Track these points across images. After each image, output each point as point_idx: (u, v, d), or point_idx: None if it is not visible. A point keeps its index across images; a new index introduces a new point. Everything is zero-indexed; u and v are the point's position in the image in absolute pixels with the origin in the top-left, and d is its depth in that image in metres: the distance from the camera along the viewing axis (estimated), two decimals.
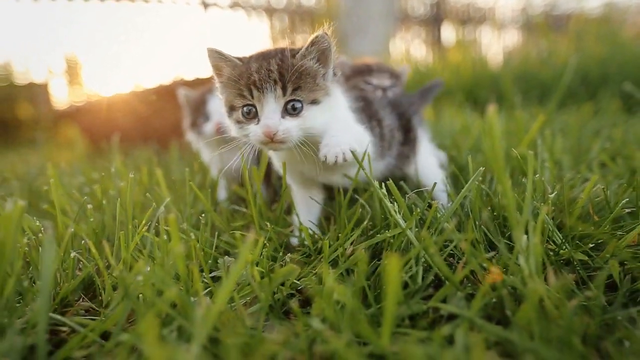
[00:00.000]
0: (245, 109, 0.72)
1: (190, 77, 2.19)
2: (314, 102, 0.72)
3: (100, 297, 0.64)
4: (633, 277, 0.59)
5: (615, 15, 4.88)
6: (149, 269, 0.53)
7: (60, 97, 5.15)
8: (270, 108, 0.70)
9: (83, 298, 0.64)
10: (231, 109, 0.75)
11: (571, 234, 0.67)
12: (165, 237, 0.59)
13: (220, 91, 0.78)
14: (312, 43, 0.71)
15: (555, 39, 3.59)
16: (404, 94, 1.19)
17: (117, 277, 0.58)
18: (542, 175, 0.89)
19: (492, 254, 0.62)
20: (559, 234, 0.65)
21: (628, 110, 1.82)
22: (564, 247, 0.64)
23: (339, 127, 0.74)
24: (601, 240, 0.66)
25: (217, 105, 1.20)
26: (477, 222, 0.67)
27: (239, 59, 0.75)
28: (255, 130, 0.70)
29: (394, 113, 0.95)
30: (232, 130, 0.76)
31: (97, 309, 0.62)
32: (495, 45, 7.21)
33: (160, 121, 2.14)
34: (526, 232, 0.55)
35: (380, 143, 0.84)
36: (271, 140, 0.69)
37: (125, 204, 0.66)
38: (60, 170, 1.24)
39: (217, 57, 0.76)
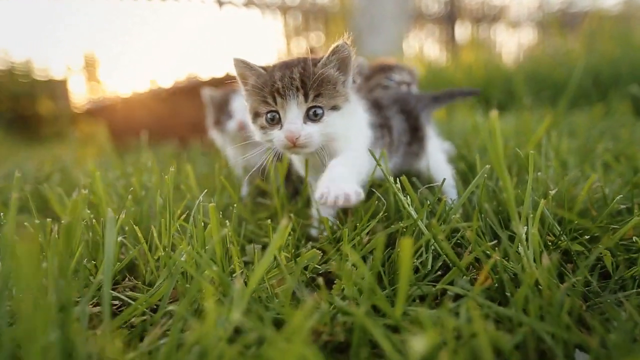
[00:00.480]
0: (269, 115, 0.76)
1: (205, 75, 2.28)
2: (334, 108, 0.76)
3: (142, 278, 0.73)
4: (626, 266, 0.65)
5: (633, 13, 4.86)
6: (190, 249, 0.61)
7: (79, 93, 5.30)
8: (293, 114, 0.74)
9: (128, 278, 0.73)
10: (256, 115, 0.79)
11: (570, 227, 0.74)
12: (202, 224, 0.67)
13: (246, 98, 0.83)
14: (333, 52, 0.76)
15: (570, 38, 3.61)
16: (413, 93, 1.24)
17: (162, 258, 0.66)
18: (547, 173, 0.96)
19: (494, 242, 0.69)
20: (557, 226, 0.71)
21: (637, 112, 1.86)
22: (562, 238, 0.70)
23: (354, 133, 0.80)
24: (597, 234, 0.73)
25: (239, 104, 1.28)
26: (482, 215, 0.74)
27: (263, 67, 0.79)
28: (278, 136, 0.75)
29: (403, 113, 1.00)
30: (256, 135, 0.81)
31: (140, 287, 0.70)
32: (510, 44, 7.18)
33: (179, 119, 2.23)
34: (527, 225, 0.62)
35: (388, 148, 0.90)
36: (294, 144, 0.73)
37: (164, 194, 0.75)
38: (95, 164, 1.33)
39: (243, 67, 0.80)
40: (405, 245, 0.44)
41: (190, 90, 2.18)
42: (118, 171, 1.15)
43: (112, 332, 0.52)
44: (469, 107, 2.34)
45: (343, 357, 0.52)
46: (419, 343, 0.35)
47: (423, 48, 6.66)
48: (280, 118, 0.76)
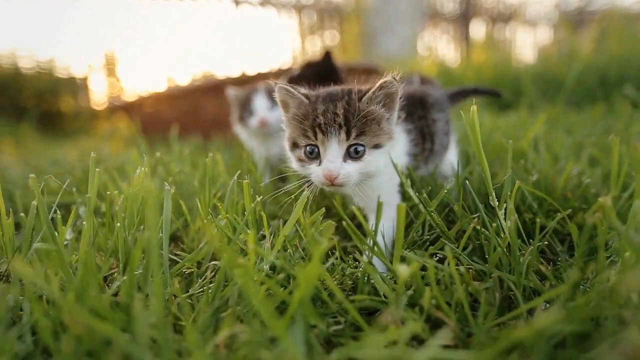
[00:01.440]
0: (308, 148, 0.75)
1: (221, 73, 2.44)
2: (377, 146, 0.75)
3: (184, 245, 0.88)
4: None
5: None
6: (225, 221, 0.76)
7: (99, 90, 5.53)
8: (334, 152, 0.72)
9: (173, 244, 0.89)
10: (294, 145, 0.78)
11: (547, 208, 0.87)
12: (236, 199, 0.82)
13: (285, 124, 0.83)
14: (380, 87, 0.74)
15: (583, 37, 3.69)
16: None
17: (201, 227, 0.81)
18: (535, 163, 1.09)
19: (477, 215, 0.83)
20: (534, 205, 0.85)
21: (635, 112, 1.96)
22: (539, 216, 0.84)
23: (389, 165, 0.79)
24: (571, 214, 0.86)
25: (260, 102, 1.43)
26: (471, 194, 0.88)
27: (306, 96, 0.78)
28: (317, 172, 0.74)
29: (441, 112, 1.01)
30: (293, 164, 0.80)
31: (186, 250, 0.86)
32: (526, 43, 7.22)
33: (202, 115, 2.40)
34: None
35: (427, 158, 0.95)
36: (332, 183, 0.73)
37: (201, 176, 0.90)
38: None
39: (285, 93, 0.79)
40: (401, 208, 0.58)
41: (211, 89, 2.35)
42: (153, 159, 1.31)
43: (172, 277, 0.67)
44: (476, 106, 2.46)
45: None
46: (404, 269, 0.50)
47: (437, 47, 6.76)
48: (319, 153, 0.75)
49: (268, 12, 6.11)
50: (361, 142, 0.73)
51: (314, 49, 6.40)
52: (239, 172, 0.87)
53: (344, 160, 0.73)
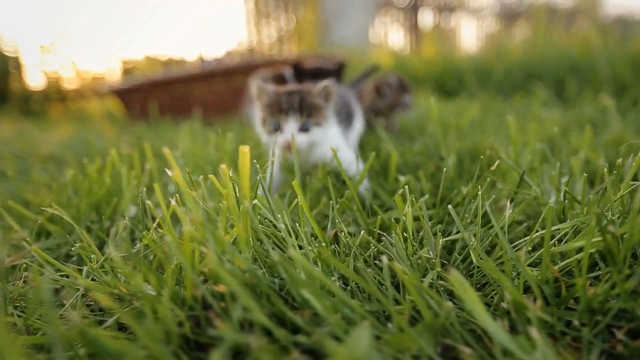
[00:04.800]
0: (273, 124, 1.08)
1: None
2: (317, 124, 1.10)
3: None
4: None
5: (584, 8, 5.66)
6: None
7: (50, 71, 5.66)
8: (290, 127, 1.06)
9: None
10: (264, 122, 1.10)
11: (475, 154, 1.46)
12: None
13: (258, 109, 1.14)
14: (322, 88, 1.10)
15: (514, 33, 4.41)
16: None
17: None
18: (469, 134, 1.68)
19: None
20: (468, 157, 1.43)
21: (545, 103, 2.65)
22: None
23: (331, 139, 1.16)
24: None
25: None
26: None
27: (274, 91, 1.10)
28: (279, 139, 1.06)
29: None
30: (263, 137, 1.14)
31: None
32: (471, 33, 8.00)
33: (191, 100, 2.83)
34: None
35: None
36: (288, 148, 1.06)
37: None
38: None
39: (260, 89, 1.11)
40: (392, 155, 1.13)
41: (201, 76, 2.79)
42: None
43: None
44: (427, 94, 3.09)
45: None
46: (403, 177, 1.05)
47: (388, 35, 7.39)
48: (281, 128, 1.07)
49: None
50: (309, 121, 1.08)
51: (270, 34, 6.80)
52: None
53: (298, 132, 1.07)
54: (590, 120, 1.77)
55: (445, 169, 0.94)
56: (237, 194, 0.74)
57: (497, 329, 0.51)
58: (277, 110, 1.07)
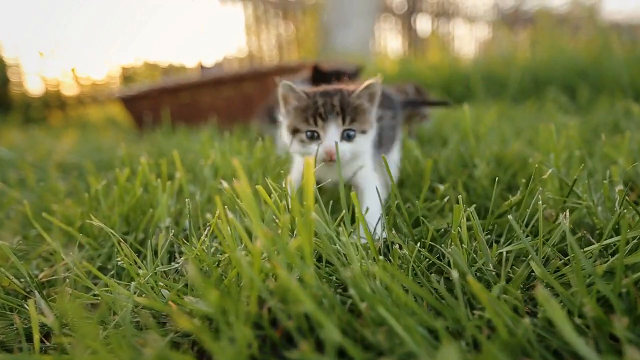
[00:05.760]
0: (308, 133, 0.91)
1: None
2: (363, 132, 0.94)
3: None
4: None
5: (580, 14, 5.71)
6: None
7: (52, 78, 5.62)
8: (332, 134, 0.89)
9: None
10: (295, 130, 0.93)
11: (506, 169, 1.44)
12: None
13: (285, 115, 0.98)
14: (366, 87, 0.93)
15: (518, 40, 4.44)
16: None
17: None
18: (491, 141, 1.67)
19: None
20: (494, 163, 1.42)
21: (561, 107, 2.65)
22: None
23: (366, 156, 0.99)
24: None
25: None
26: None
27: (305, 92, 0.93)
28: (319, 149, 0.89)
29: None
30: (293, 146, 0.95)
31: None
32: (468, 39, 8.04)
33: (201, 107, 2.80)
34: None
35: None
36: (331, 158, 0.88)
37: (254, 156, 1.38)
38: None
39: (288, 89, 0.93)
40: (428, 163, 1.11)
41: (208, 83, 2.75)
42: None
43: None
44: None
45: None
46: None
47: (387, 42, 7.41)
48: (319, 136, 0.91)
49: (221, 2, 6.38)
50: (353, 128, 0.92)
51: (269, 41, 6.78)
52: None
53: (340, 141, 0.90)
54: (615, 126, 1.76)
55: (478, 176, 0.92)
56: (289, 205, 0.72)
57: (588, 351, 0.48)
58: (313, 114, 0.90)
